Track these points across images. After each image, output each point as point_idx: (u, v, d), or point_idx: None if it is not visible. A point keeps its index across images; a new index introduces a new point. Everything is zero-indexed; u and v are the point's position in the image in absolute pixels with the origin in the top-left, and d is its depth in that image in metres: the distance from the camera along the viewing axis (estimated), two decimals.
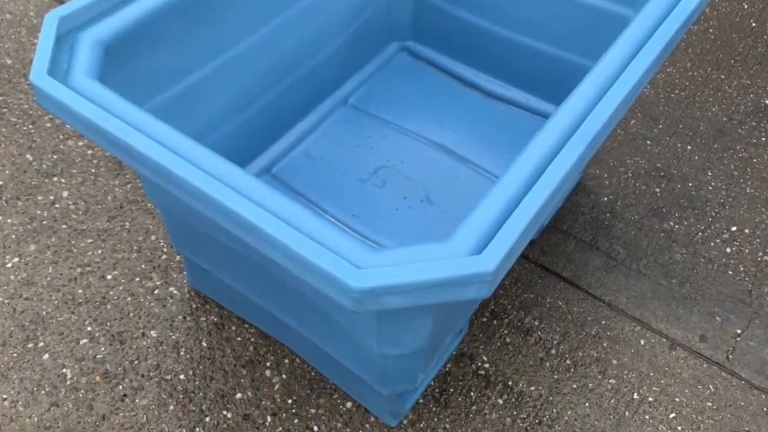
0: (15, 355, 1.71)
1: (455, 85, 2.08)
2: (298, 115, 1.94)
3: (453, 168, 1.89)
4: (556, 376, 1.71)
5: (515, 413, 1.66)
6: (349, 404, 1.67)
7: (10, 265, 1.87)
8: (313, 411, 1.65)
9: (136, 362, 1.71)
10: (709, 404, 1.70)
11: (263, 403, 1.66)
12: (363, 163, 1.89)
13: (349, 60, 2.02)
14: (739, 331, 1.81)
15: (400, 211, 1.80)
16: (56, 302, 1.81)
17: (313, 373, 1.71)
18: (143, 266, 1.88)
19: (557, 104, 1.97)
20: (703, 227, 2.01)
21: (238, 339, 1.76)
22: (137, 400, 1.65)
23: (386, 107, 2.01)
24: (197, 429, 1.61)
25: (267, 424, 1.63)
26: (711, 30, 2.63)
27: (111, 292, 1.83)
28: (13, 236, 1.93)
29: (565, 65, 1.87)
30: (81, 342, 1.74)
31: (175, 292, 1.84)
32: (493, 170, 1.89)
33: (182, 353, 1.73)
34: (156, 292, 1.84)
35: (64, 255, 1.90)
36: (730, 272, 1.92)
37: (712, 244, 1.98)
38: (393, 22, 2.08)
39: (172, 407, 1.65)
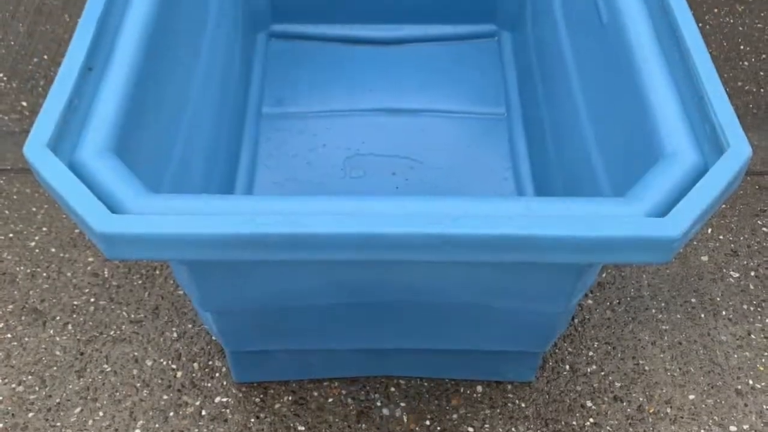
0: None
1: (351, 48, 1.94)
2: (237, 145, 1.72)
3: (412, 124, 1.79)
4: None
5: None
6: (479, 388, 1.56)
7: None
8: (454, 416, 1.52)
9: None
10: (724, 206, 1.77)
11: None
12: (328, 163, 1.72)
13: (232, 68, 1.81)
14: None
15: (401, 189, 1.68)
16: None
17: (426, 384, 1.57)
18: (165, 398, 1.60)
19: (466, 23, 1.92)
20: None
21: (330, 400, 1.57)
22: None
23: (303, 99, 1.84)
24: None
25: None
26: None
27: None
28: None
29: None
30: None
31: (224, 400, 1.58)
32: (446, 108, 1.81)
33: None
34: (204, 413, 1.57)
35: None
36: None
37: None
38: (252, 11, 1.88)
39: None
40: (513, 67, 1.88)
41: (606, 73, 1.31)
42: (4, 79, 1.99)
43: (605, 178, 1.27)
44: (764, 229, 1.76)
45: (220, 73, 1.60)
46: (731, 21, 2.13)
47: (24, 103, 1.95)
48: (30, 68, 2.01)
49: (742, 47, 2.07)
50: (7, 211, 1.78)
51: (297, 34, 1.95)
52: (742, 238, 1.74)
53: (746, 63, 2.03)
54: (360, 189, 1.67)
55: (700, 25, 2.09)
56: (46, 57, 2.03)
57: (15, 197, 1.80)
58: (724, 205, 1.79)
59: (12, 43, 2.06)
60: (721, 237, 1.74)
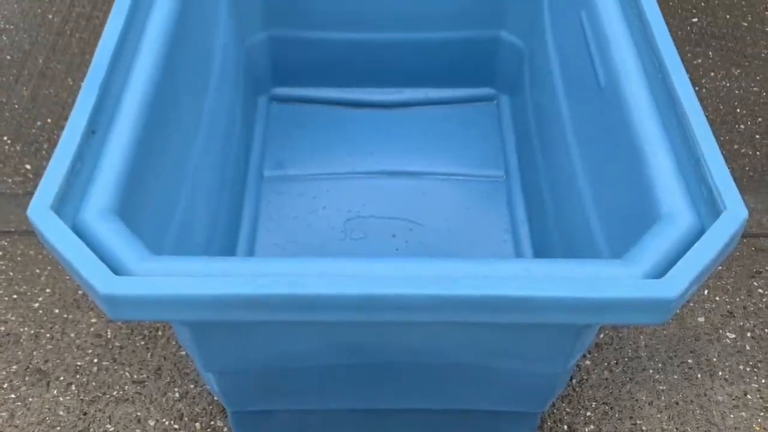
0: None
1: (352, 111, 1.97)
2: (238, 207, 1.74)
3: (412, 187, 1.81)
4: None
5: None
6: None
7: None
8: None
9: None
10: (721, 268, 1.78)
11: None
12: (329, 225, 1.74)
13: (233, 131, 1.84)
14: None
15: (401, 250, 1.69)
16: None
17: None
18: None
19: (465, 87, 1.96)
20: None
21: None
22: None
23: (304, 162, 1.86)
24: None
25: None
26: None
27: None
28: None
29: (460, 44, 1.86)
30: None
31: None
32: (446, 170, 1.84)
33: None
34: None
35: None
36: None
37: None
38: (253, 76, 1.92)
39: None
40: (512, 130, 1.90)
41: (603, 135, 1.33)
42: (8, 142, 2.02)
43: (603, 239, 1.28)
44: (760, 290, 1.77)
45: (221, 136, 1.62)
46: (727, 84, 2.16)
47: (27, 166, 1.97)
48: (33, 131, 2.04)
49: (738, 110, 2.10)
50: (11, 273, 1.79)
51: (298, 97, 1.98)
52: (738, 300, 1.75)
53: (742, 126, 2.06)
54: (360, 251, 1.69)
55: (697, 88, 2.13)
56: (49, 120, 2.06)
57: (19, 259, 1.81)
58: (720, 267, 1.80)
59: (16, 106, 2.09)
60: (717, 298, 1.75)
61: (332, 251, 1.70)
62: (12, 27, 2.30)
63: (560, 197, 1.53)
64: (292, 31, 1.87)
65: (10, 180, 1.95)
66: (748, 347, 1.68)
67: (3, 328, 1.70)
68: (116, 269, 0.98)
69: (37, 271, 1.80)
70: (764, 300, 1.75)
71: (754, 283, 1.78)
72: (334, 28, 1.85)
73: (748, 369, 1.65)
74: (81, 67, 2.19)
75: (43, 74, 2.17)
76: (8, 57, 2.22)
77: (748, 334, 1.70)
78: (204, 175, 1.49)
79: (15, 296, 1.75)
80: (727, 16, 2.36)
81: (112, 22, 1.25)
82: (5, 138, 2.02)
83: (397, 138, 1.90)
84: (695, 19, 2.35)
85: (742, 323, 1.71)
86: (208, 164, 1.52)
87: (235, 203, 1.72)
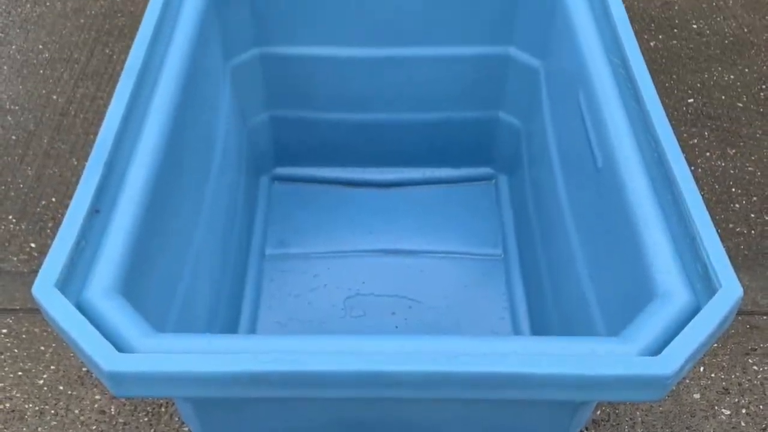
0: None
1: (352, 190, 2.01)
2: (240, 285, 1.77)
3: (411, 265, 1.85)
4: None
5: None
6: None
7: None
8: None
9: None
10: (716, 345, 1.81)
11: None
12: (329, 303, 1.77)
13: (235, 212, 1.88)
14: None
15: (400, 328, 1.72)
16: None
17: None
18: None
19: (464, 167, 2.01)
20: None
21: None
22: None
23: (305, 240, 1.90)
24: None
25: None
26: None
27: None
28: None
29: (459, 124, 1.91)
30: None
31: None
32: (444, 249, 1.88)
33: None
34: None
35: None
36: None
37: None
38: (255, 156, 1.97)
39: None
40: (510, 208, 1.94)
41: (601, 216, 1.36)
42: (13, 221, 2.05)
43: (600, 318, 1.31)
44: (755, 367, 1.79)
45: (223, 217, 1.66)
46: (723, 164, 2.21)
47: (32, 245, 2.01)
48: (38, 210, 2.08)
49: (733, 190, 2.14)
50: (16, 350, 1.81)
51: (299, 177, 2.03)
52: (733, 376, 1.77)
53: (737, 205, 2.10)
54: (360, 328, 1.71)
55: (693, 168, 2.17)
56: (54, 200, 2.10)
57: (24, 336, 1.84)
58: (715, 344, 1.82)
59: (21, 185, 2.14)
60: (713, 375, 1.77)
61: (333, 328, 1.72)
62: (17, 107, 2.36)
63: (558, 276, 1.56)
64: (294, 112, 1.92)
65: (15, 258, 1.98)
66: (743, 423, 1.69)
67: (8, 405, 1.72)
68: (120, 347, 1.00)
69: (42, 348, 1.82)
70: (759, 377, 1.77)
71: (749, 360, 1.80)
72: (334, 110, 1.91)
73: None
74: (85, 147, 2.24)
75: (47, 154, 2.22)
76: (13, 137, 2.27)
77: (743, 411, 1.71)
78: (206, 254, 1.52)
79: (20, 373, 1.77)
80: (723, 97, 2.42)
81: (116, 103, 1.29)
82: (10, 217, 2.06)
83: (396, 217, 1.94)
84: (691, 100, 2.41)
85: (737, 400, 1.73)
86: (210, 244, 1.55)
87: (237, 281, 1.75)
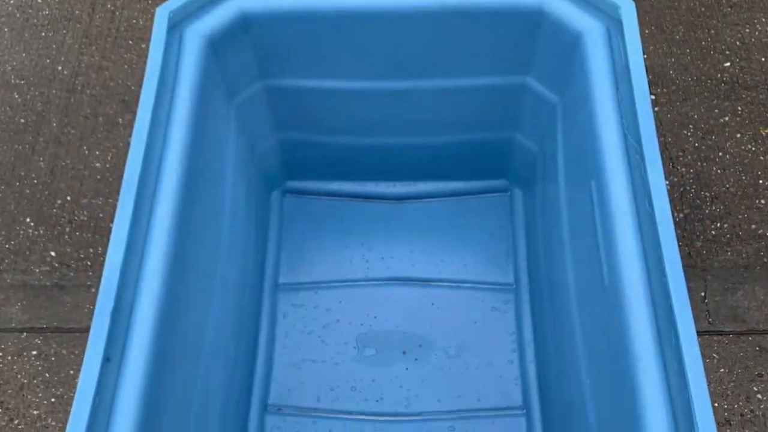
0: None
1: (361, 204, 2.06)
2: (256, 324, 1.90)
3: (422, 296, 1.94)
4: None
5: None
6: None
7: None
8: None
9: None
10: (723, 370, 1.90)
11: None
12: (341, 340, 1.89)
13: (248, 234, 1.96)
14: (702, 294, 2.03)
15: (410, 370, 1.84)
16: None
17: None
18: None
19: (482, 179, 2.04)
20: None
21: None
22: None
23: (317, 268, 1.99)
24: None
25: None
26: None
27: None
28: None
29: (476, 144, 1.92)
30: None
31: None
32: (456, 278, 1.96)
33: None
34: None
35: None
36: None
37: None
38: (266, 172, 2.01)
39: None
40: (523, 226, 2.00)
41: (605, 333, 1.43)
42: (31, 225, 2.15)
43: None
44: (759, 395, 1.89)
45: (239, 259, 1.76)
46: (753, 149, 2.18)
47: (52, 253, 2.12)
48: (55, 211, 2.17)
49: (761, 182, 2.12)
50: (47, 374, 1.98)
51: (311, 191, 2.09)
52: (736, 406, 1.88)
53: (763, 201, 2.10)
54: (371, 371, 1.84)
55: (720, 154, 2.16)
56: (69, 198, 2.18)
57: (53, 359, 2.00)
58: (722, 369, 1.92)
59: (35, 181, 2.21)
60: (715, 404, 1.89)
61: (345, 369, 1.85)
62: (23, 82, 2.38)
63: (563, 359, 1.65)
64: (302, 135, 1.94)
65: (37, 270, 2.10)
66: None
67: None
68: None
69: (71, 372, 1.99)
70: (761, 407, 1.88)
71: (754, 388, 1.90)
72: (343, 134, 1.93)
73: None
74: (95, 132, 2.28)
75: (58, 141, 2.27)
76: (22, 120, 2.31)
77: None
78: (225, 320, 1.65)
79: (53, 399, 1.95)
80: (763, 59, 2.33)
81: (117, 231, 1.35)
82: (28, 220, 2.16)
83: (408, 236, 2.00)
84: (727, 64, 2.33)
85: None
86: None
87: (253, 320, 1.88)
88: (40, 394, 1.97)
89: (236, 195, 1.77)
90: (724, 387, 1.91)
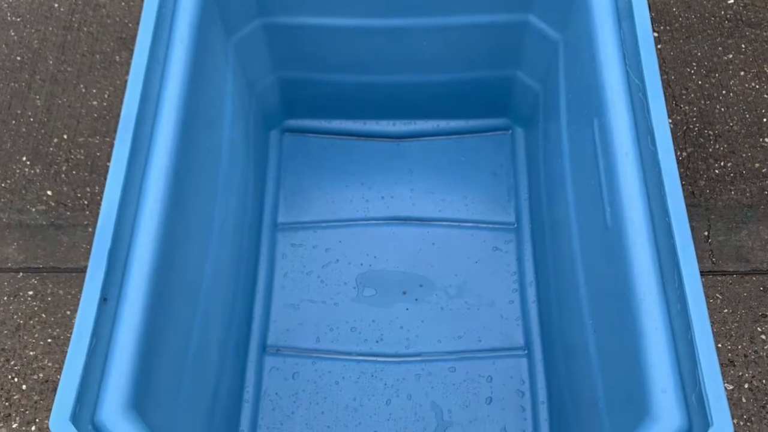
0: None
1: (361, 143, 2.04)
2: (254, 264, 1.89)
3: (423, 235, 1.92)
4: None
5: None
6: None
7: None
8: None
9: None
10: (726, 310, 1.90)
11: None
12: (341, 281, 1.88)
13: (246, 173, 1.94)
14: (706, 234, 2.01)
15: (410, 310, 1.84)
16: None
17: None
18: None
19: (484, 118, 2.01)
20: None
21: None
22: None
23: (316, 208, 1.97)
24: None
25: None
26: None
27: None
28: None
29: (478, 81, 1.90)
30: None
31: None
32: (457, 217, 1.95)
33: None
34: None
35: None
36: None
37: None
38: (265, 110, 1.99)
39: None
40: (525, 164, 1.98)
41: (609, 275, 1.42)
42: (27, 163, 2.13)
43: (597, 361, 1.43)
44: (762, 336, 1.89)
45: (236, 198, 1.75)
46: (757, 87, 2.15)
47: (49, 192, 2.10)
48: (51, 150, 2.15)
49: (765, 120, 2.10)
50: (43, 315, 1.98)
51: (310, 129, 2.06)
52: (740, 347, 1.88)
53: (767, 139, 2.08)
54: (371, 312, 1.84)
55: (724, 92, 2.13)
56: (65, 137, 2.16)
57: (50, 299, 2.00)
58: (726, 310, 1.91)
59: (31, 119, 2.19)
60: (719, 345, 1.88)
61: (345, 309, 1.84)
62: (19, 19, 2.34)
63: (565, 305, 1.65)
64: (302, 73, 1.92)
65: (33, 209, 2.09)
66: (744, 399, 1.83)
67: (41, 375, 1.92)
68: None
69: (68, 312, 1.98)
70: (766, 347, 1.88)
71: (758, 329, 1.90)
72: (344, 72, 1.90)
73: (741, 423, 1.81)
74: (91, 70, 2.25)
75: (54, 79, 2.24)
76: (18, 58, 2.28)
77: (746, 386, 1.85)
78: (223, 256, 1.64)
79: (49, 340, 1.95)
80: None
81: (115, 170, 1.33)
82: (24, 159, 2.14)
83: (409, 175, 1.99)
84: (731, 0, 2.29)
85: (741, 373, 1.86)
86: (225, 243, 1.65)
87: (252, 258, 1.87)
88: (36, 335, 1.97)
89: (234, 134, 1.76)
90: (727, 327, 1.91)
